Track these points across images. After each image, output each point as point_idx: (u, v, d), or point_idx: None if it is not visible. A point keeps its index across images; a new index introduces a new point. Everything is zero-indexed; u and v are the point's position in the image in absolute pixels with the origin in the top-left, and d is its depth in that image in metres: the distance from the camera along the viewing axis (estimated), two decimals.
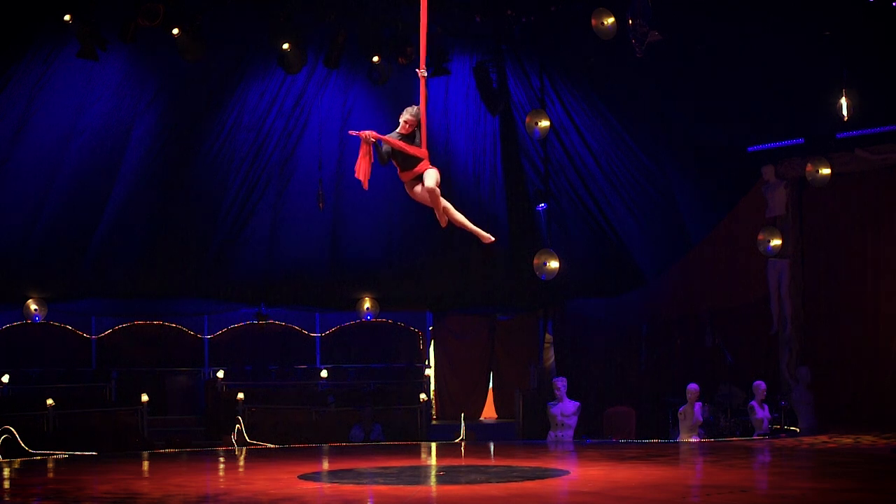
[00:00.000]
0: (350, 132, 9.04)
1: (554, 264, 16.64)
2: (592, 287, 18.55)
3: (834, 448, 12.98)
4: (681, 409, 15.42)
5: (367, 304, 18.95)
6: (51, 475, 11.64)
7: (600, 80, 16.79)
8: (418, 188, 8.57)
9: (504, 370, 19.75)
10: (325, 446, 15.48)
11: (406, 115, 8.54)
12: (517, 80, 17.37)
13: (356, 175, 8.53)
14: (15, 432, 14.49)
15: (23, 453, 14.30)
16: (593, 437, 16.39)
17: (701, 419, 15.29)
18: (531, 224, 18.55)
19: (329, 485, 10.08)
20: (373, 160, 8.55)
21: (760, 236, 15.73)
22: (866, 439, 13.77)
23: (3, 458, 13.89)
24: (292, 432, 16.53)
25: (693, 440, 15.04)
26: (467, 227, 8.77)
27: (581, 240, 18.49)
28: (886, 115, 15.19)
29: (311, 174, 17.29)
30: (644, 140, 17.21)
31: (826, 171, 14.79)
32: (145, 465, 12.75)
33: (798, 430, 15.45)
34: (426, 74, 8.69)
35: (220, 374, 18.07)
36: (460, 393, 19.61)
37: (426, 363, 19.71)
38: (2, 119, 15.56)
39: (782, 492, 8.95)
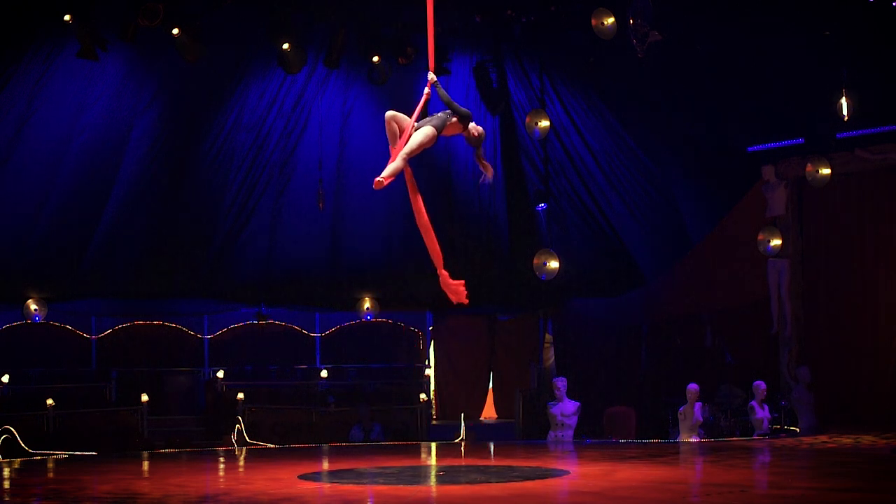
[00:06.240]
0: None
1: (554, 264, 16.64)
2: (592, 287, 18.52)
3: (834, 448, 12.96)
4: (681, 409, 15.42)
5: (367, 304, 18.93)
6: (51, 475, 11.63)
7: (600, 80, 16.79)
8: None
9: (504, 370, 19.72)
10: (325, 446, 15.48)
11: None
12: (517, 80, 17.37)
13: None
14: (15, 432, 14.48)
15: (23, 453, 14.30)
16: (593, 437, 16.38)
17: (701, 419, 15.28)
18: (531, 224, 18.54)
19: (329, 485, 10.07)
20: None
21: (760, 236, 15.72)
22: (866, 439, 13.75)
23: (3, 458, 13.88)
24: (292, 432, 16.53)
25: (693, 440, 15.03)
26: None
27: (581, 240, 18.48)
28: (886, 115, 15.18)
29: (311, 174, 17.29)
30: (644, 140, 17.21)
31: (826, 171, 14.79)
32: (145, 465, 12.74)
33: (798, 430, 15.44)
34: (435, 79, 8.75)
35: (220, 374, 18.06)
36: (460, 393, 19.58)
37: (426, 363, 19.68)
38: (2, 119, 15.56)
39: (782, 492, 8.94)
